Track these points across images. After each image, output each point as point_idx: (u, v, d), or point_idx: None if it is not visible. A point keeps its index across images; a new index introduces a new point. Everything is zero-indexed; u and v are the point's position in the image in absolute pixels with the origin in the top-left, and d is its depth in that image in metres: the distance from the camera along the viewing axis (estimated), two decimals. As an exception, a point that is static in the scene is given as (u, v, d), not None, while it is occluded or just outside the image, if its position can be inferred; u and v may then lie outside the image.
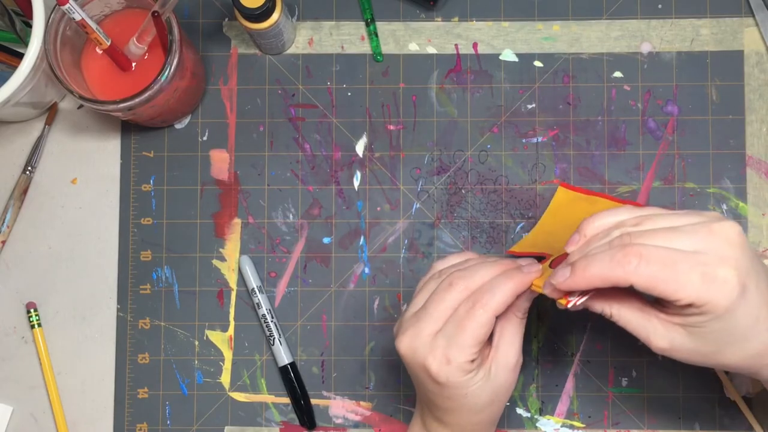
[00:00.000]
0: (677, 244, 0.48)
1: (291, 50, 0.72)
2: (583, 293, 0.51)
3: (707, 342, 0.49)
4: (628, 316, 0.50)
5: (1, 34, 0.69)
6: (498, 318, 0.54)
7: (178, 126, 0.72)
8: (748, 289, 0.47)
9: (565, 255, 0.53)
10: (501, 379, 0.55)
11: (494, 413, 0.57)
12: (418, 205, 0.70)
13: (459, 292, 0.54)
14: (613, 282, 0.48)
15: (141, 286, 0.71)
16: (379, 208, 0.71)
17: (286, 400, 0.70)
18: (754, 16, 0.71)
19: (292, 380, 0.69)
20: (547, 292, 0.52)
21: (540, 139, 0.70)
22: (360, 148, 0.71)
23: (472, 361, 0.53)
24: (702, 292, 0.46)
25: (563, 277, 0.50)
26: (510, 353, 0.55)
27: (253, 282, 0.69)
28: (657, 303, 0.50)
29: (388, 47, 0.72)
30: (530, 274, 0.54)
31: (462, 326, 0.53)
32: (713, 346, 0.49)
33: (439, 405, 0.56)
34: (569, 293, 0.51)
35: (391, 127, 0.71)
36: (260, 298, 0.69)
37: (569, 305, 0.51)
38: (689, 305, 0.47)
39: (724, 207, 0.69)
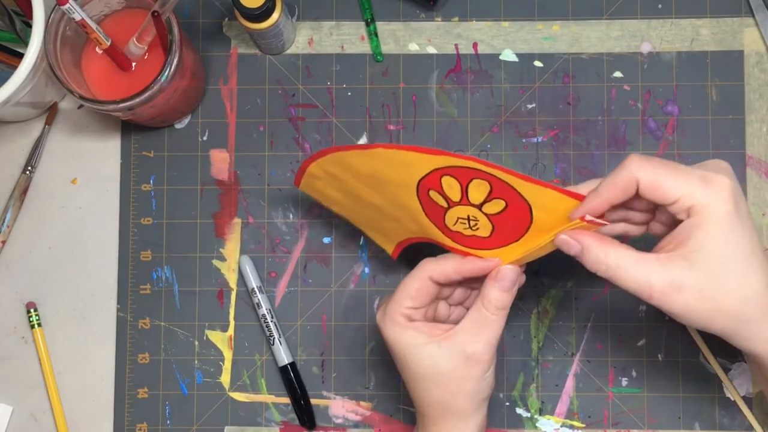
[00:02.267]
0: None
1: (291, 50, 0.72)
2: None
3: (708, 271, 0.49)
4: (626, 262, 0.50)
5: (1, 34, 0.69)
6: (472, 306, 0.56)
7: (178, 126, 0.72)
8: (741, 210, 0.49)
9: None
10: (451, 362, 0.54)
11: (445, 400, 0.56)
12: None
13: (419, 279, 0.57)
14: (620, 185, 0.50)
15: (141, 286, 0.71)
16: (379, 208, 0.71)
17: (286, 400, 0.70)
18: (754, 16, 0.71)
19: (292, 380, 0.69)
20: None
21: (540, 139, 0.70)
22: (360, 148, 0.71)
23: (408, 318, 0.56)
24: (701, 192, 0.48)
25: (579, 210, 0.51)
26: (468, 340, 0.54)
27: (253, 282, 0.69)
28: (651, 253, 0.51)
29: (388, 47, 0.72)
30: (485, 263, 0.56)
31: (402, 282, 0.57)
32: (714, 278, 0.49)
33: (400, 371, 0.58)
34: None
35: (391, 127, 0.71)
36: (260, 298, 0.69)
37: (561, 237, 0.52)
38: (688, 211, 0.49)
39: (724, 207, 0.69)
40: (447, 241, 0.58)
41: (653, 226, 0.55)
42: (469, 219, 0.55)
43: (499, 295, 0.55)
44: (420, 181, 0.53)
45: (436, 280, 0.56)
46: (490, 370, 0.56)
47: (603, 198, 0.51)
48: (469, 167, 0.51)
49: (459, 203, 0.54)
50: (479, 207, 0.53)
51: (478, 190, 0.53)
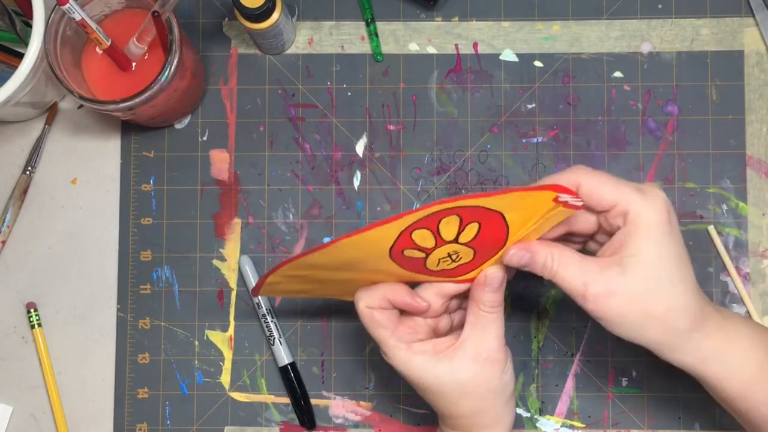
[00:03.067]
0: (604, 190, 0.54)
1: (291, 50, 0.72)
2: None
3: (639, 278, 0.51)
4: (569, 268, 0.52)
5: (1, 34, 0.69)
6: (467, 313, 0.56)
7: (178, 126, 0.72)
8: (673, 224, 0.52)
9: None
10: (470, 370, 0.54)
11: (476, 405, 0.56)
12: (418, 205, 0.70)
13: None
14: (565, 185, 0.52)
15: (141, 286, 0.71)
16: (379, 208, 0.71)
17: (286, 400, 0.70)
18: (754, 16, 0.71)
19: (292, 380, 0.69)
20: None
21: (540, 139, 0.70)
22: (360, 148, 0.71)
23: (408, 346, 0.55)
24: (637, 201, 0.51)
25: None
26: (477, 343, 0.55)
27: (253, 282, 0.69)
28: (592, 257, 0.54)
29: (388, 47, 0.72)
30: (411, 301, 0.56)
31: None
32: (644, 284, 0.51)
33: (426, 398, 0.58)
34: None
35: (391, 127, 0.71)
36: (260, 298, 0.69)
37: (510, 252, 0.54)
38: (624, 218, 0.51)
39: (724, 207, 0.69)
40: (434, 281, 0.57)
41: (590, 244, 0.58)
42: (450, 255, 0.54)
43: (491, 296, 0.55)
44: (391, 248, 0.53)
45: (371, 306, 0.56)
46: (508, 364, 0.56)
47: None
48: (432, 213, 0.50)
49: (435, 247, 0.53)
50: (455, 241, 0.53)
51: (449, 227, 0.52)
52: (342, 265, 0.55)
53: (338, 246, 0.52)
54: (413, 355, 0.55)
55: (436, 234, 0.52)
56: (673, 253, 0.52)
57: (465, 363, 0.54)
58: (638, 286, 0.51)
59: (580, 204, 0.51)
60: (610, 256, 0.52)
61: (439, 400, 0.56)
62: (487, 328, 0.55)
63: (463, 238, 0.53)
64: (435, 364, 0.55)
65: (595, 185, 0.52)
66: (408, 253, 0.53)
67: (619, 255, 0.52)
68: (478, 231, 0.53)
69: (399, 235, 0.51)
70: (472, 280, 0.56)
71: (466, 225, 0.52)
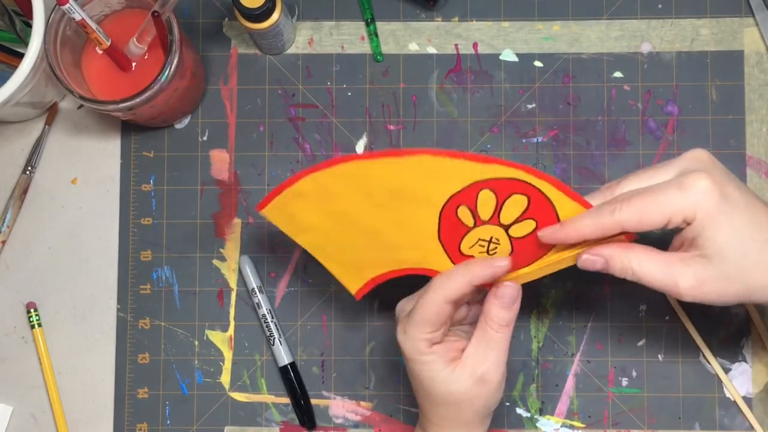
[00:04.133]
0: (655, 179, 0.52)
1: (291, 50, 0.72)
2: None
3: (725, 262, 0.50)
4: (649, 267, 0.51)
5: (1, 34, 0.69)
6: (477, 325, 0.55)
7: (178, 126, 0.72)
8: (729, 194, 0.50)
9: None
10: (463, 386, 0.54)
11: (455, 416, 0.56)
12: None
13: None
14: (603, 229, 0.51)
15: (141, 286, 0.71)
16: (379, 208, 0.71)
17: (286, 400, 0.70)
18: (754, 16, 0.71)
19: (292, 380, 0.69)
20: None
21: (540, 139, 0.70)
22: (360, 148, 0.71)
23: (430, 344, 0.54)
24: (685, 202, 0.49)
25: (551, 230, 0.53)
26: (477, 363, 0.54)
27: (253, 282, 0.69)
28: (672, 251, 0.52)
29: (388, 47, 0.72)
30: (489, 268, 0.53)
31: (417, 305, 0.55)
32: (733, 265, 0.50)
33: (412, 382, 0.57)
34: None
35: (391, 127, 0.71)
36: (260, 298, 0.69)
37: (584, 257, 0.53)
38: (684, 222, 0.50)
39: (724, 207, 0.69)
40: (446, 267, 0.56)
41: None
42: (489, 241, 0.54)
43: (500, 312, 0.54)
44: (453, 195, 0.51)
45: (451, 300, 0.54)
46: (501, 385, 0.56)
47: (585, 236, 0.52)
48: (515, 179, 0.50)
49: (487, 222, 0.53)
50: (507, 228, 0.53)
51: (514, 207, 0.52)
52: (390, 197, 0.52)
53: (417, 159, 0.50)
54: (428, 355, 0.55)
55: (498, 207, 0.52)
56: (747, 224, 0.50)
57: (461, 378, 0.54)
58: (730, 270, 0.50)
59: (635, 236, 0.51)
60: (687, 249, 0.51)
61: (426, 400, 0.56)
62: (489, 347, 0.54)
63: (513, 231, 0.53)
64: (440, 371, 0.55)
65: (639, 220, 0.50)
66: (462, 212, 0.52)
67: (697, 250, 0.50)
68: (530, 233, 0.53)
69: (471, 185, 0.50)
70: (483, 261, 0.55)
71: (526, 218, 0.52)
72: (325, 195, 0.54)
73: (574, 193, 0.52)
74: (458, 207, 0.52)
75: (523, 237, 0.53)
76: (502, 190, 0.51)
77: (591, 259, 0.53)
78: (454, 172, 0.50)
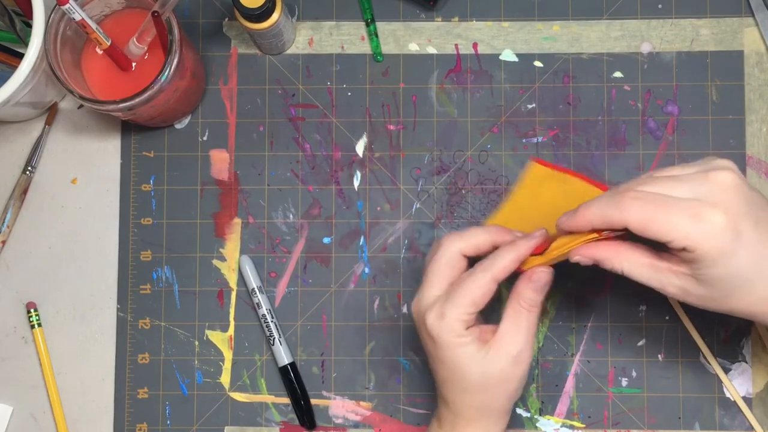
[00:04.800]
0: (675, 192, 0.50)
1: (291, 50, 0.72)
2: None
3: (715, 288, 0.50)
4: (638, 270, 0.52)
5: (1, 34, 0.69)
6: (507, 306, 0.56)
7: (178, 126, 0.72)
8: (742, 233, 0.49)
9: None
10: (497, 366, 0.55)
11: (488, 402, 0.56)
12: (418, 205, 0.70)
13: (447, 249, 0.57)
14: (609, 222, 0.50)
15: (141, 286, 0.71)
16: (379, 208, 0.71)
17: (286, 400, 0.70)
18: (754, 16, 0.71)
19: (292, 380, 0.69)
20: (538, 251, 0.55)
21: (540, 139, 0.70)
22: (360, 148, 0.71)
23: (467, 326, 0.55)
24: (693, 233, 0.48)
25: (566, 216, 0.53)
26: (512, 342, 0.55)
27: (253, 282, 0.69)
28: (666, 254, 0.52)
29: (388, 47, 0.72)
30: (534, 239, 0.55)
31: (460, 285, 0.55)
32: (721, 291, 0.50)
33: (437, 372, 0.57)
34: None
35: (391, 127, 0.71)
36: (260, 298, 0.69)
37: (575, 257, 0.54)
38: (684, 249, 0.49)
39: (724, 207, 0.69)
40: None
41: None
42: None
43: (532, 294, 0.55)
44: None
45: (500, 279, 0.55)
46: (527, 371, 0.56)
47: (589, 223, 0.52)
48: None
49: None
50: None
51: None
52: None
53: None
54: (466, 337, 0.55)
55: None
56: (748, 259, 0.49)
57: (497, 357, 0.55)
58: (717, 294, 0.50)
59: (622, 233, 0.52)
60: (680, 264, 0.51)
61: (456, 386, 0.56)
62: (522, 325, 0.55)
63: None
64: (476, 353, 0.55)
65: (645, 226, 0.49)
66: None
67: (689, 269, 0.50)
68: None
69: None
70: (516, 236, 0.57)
71: None
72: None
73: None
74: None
75: None
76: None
77: (583, 261, 0.54)
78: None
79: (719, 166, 0.50)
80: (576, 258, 0.54)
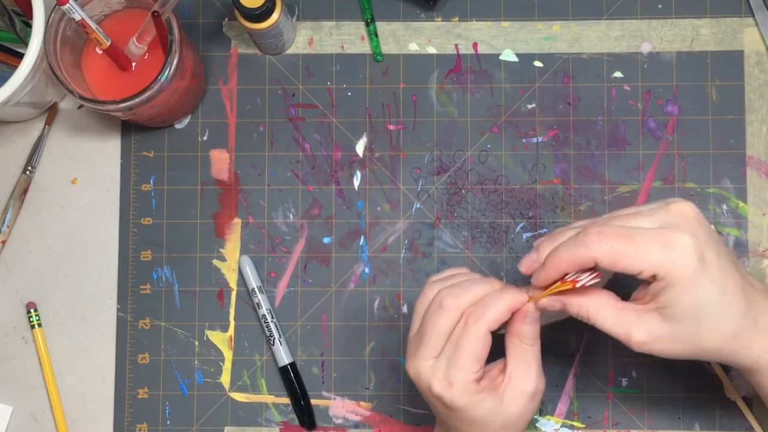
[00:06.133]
0: (639, 224, 0.51)
1: (291, 50, 0.72)
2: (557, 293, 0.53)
3: (682, 323, 0.50)
4: (604, 314, 0.52)
5: (1, 34, 0.69)
6: (508, 347, 0.55)
7: (178, 126, 0.72)
8: (707, 259, 0.49)
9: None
10: (516, 408, 0.54)
11: None
12: (418, 205, 0.70)
13: (451, 313, 0.54)
14: (579, 262, 0.50)
15: (141, 286, 0.71)
16: (379, 208, 0.71)
17: (286, 400, 0.70)
18: (754, 16, 0.71)
19: (292, 380, 0.69)
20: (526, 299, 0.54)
21: (540, 139, 0.70)
22: (360, 148, 0.71)
23: (477, 381, 0.53)
24: (663, 260, 0.49)
25: (530, 260, 0.53)
26: (525, 381, 0.54)
27: (253, 282, 0.69)
28: (629, 298, 0.52)
29: (388, 47, 0.72)
30: (523, 293, 0.54)
31: (459, 345, 0.53)
32: (689, 327, 0.50)
33: (455, 427, 0.56)
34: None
35: (391, 127, 0.71)
36: (260, 298, 0.69)
37: (540, 302, 0.53)
38: (653, 277, 0.49)
39: (725, 207, 0.69)
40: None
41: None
42: None
43: (530, 329, 0.54)
44: None
45: (492, 329, 0.53)
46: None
47: (560, 270, 0.52)
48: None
49: None
50: None
51: None
52: None
53: None
54: (480, 393, 0.53)
55: None
56: (712, 292, 0.50)
57: (514, 400, 0.54)
58: (683, 331, 0.50)
59: (598, 279, 0.51)
60: (647, 302, 0.51)
61: (470, 428, 0.55)
62: (529, 361, 0.54)
63: None
64: (492, 405, 0.53)
65: (615, 260, 0.49)
66: None
67: (656, 304, 0.50)
68: None
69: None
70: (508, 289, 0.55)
71: None
72: None
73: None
74: None
75: None
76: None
77: (550, 304, 0.53)
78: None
79: (678, 200, 0.52)
80: (543, 303, 0.53)
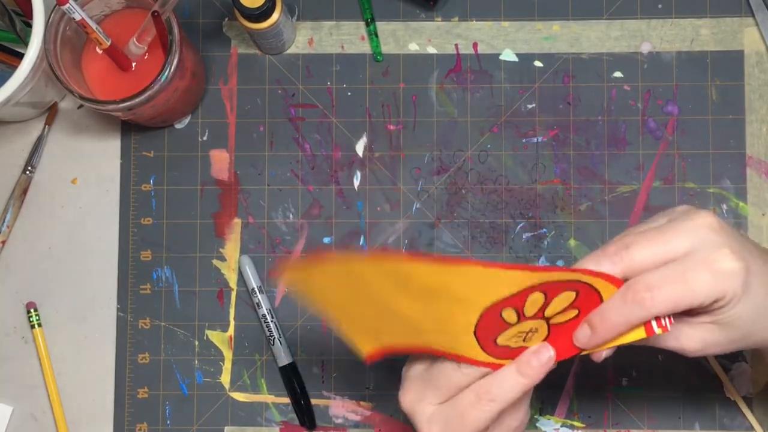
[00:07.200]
0: (673, 245, 0.48)
1: (291, 50, 0.72)
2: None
3: (736, 328, 0.50)
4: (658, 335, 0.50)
5: (1, 34, 0.69)
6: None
7: (178, 126, 0.72)
8: (749, 264, 0.48)
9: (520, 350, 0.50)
10: None
11: None
12: (418, 205, 0.70)
13: (465, 376, 0.51)
14: (636, 323, 0.48)
15: (141, 286, 0.71)
16: (379, 208, 0.71)
17: (286, 400, 0.70)
18: (754, 16, 0.71)
19: (292, 380, 0.69)
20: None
21: (540, 139, 0.70)
22: (360, 148, 0.71)
23: None
24: (719, 286, 0.47)
25: (585, 336, 0.50)
26: (511, 420, 0.53)
27: (253, 282, 0.69)
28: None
29: (388, 47, 0.72)
30: (543, 366, 0.51)
31: (463, 416, 0.50)
32: (742, 330, 0.50)
33: None
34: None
35: (391, 127, 0.71)
36: (260, 298, 0.69)
37: (598, 357, 0.51)
38: (714, 302, 0.48)
39: (724, 207, 0.69)
40: (476, 355, 0.50)
41: None
42: (528, 332, 0.50)
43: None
44: (501, 300, 0.47)
45: (504, 409, 0.51)
46: None
47: (612, 332, 0.49)
48: (572, 280, 0.47)
49: (531, 318, 0.49)
50: (548, 319, 0.49)
51: (561, 301, 0.48)
52: (427, 295, 0.47)
53: (462, 270, 0.45)
54: None
55: (545, 304, 0.48)
56: (761, 290, 0.49)
57: None
58: (736, 335, 0.50)
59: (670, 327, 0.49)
60: (701, 315, 0.50)
61: None
62: (522, 399, 0.52)
63: (555, 319, 0.50)
64: None
65: (673, 308, 0.47)
66: (506, 313, 0.48)
67: (711, 317, 0.49)
68: (571, 319, 0.49)
69: (523, 289, 0.47)
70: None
71: (571, 308, 0.49)
72: (355, 278, 0.49)
73: (618, 280, 0.48)
74: (503, 309, 0.48)
75: (563, 323, 0.50)
76: (554, 289, 0.47)
77: (607, 354, 0.51)
78: (507, 280, 0.46)
79: (697, 213, 0.50)
80: (601, 356, 0.51)
